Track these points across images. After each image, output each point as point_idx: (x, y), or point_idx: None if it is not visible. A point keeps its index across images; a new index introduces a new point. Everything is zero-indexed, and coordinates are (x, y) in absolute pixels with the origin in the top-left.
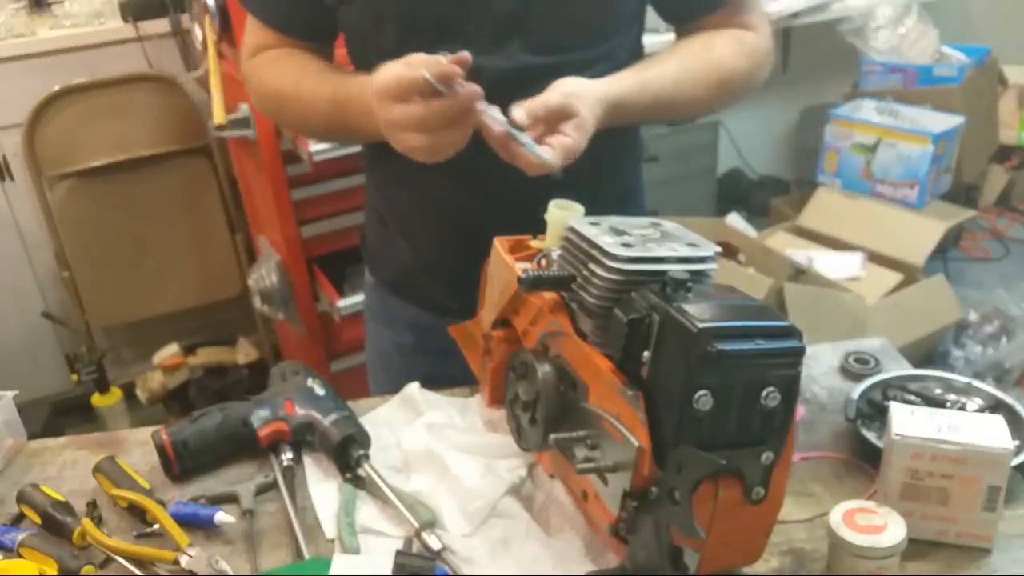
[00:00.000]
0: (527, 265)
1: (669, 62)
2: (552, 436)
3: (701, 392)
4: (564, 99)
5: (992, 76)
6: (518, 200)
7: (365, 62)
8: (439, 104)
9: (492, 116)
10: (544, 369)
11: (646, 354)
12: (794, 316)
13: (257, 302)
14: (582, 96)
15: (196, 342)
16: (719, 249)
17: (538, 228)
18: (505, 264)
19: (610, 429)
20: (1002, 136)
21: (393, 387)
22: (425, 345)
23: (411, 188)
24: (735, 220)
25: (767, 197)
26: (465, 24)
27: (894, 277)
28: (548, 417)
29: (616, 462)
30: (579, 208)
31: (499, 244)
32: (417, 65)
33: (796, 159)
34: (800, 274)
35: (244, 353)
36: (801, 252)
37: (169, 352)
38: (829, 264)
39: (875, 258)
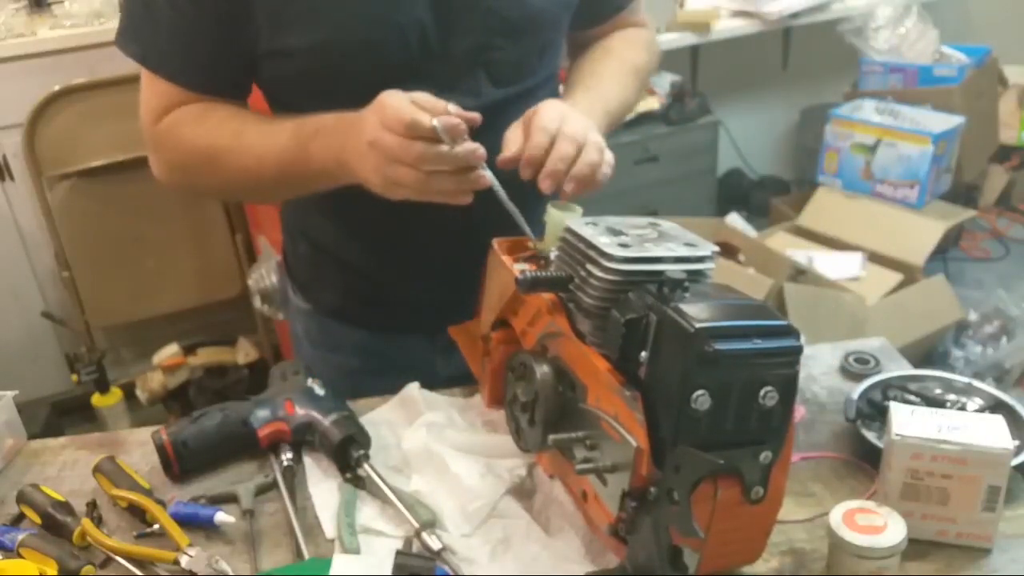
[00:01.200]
0: (525, 266)
1: (601, 77)
2: (551, 437)
3: (699, 392)
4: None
5: (992, 76)
6: (465, 223)
7: (306, 105)
8: (441, 148)
9: (491, 179)
10: (542, 370)
11: (643, 354)
12: (794, 316)
13: (257, 302)
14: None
15: (196, 342)
16: (717, 249)
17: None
18: (503, 265)
19: (608, 429)
20: (1002, 136)
21: None
22: (372, 366)
23: (349, 218)
24: (735, 220)
25: (767, 197)
26: (430, 65)
27: (894, 277)
28: (547, 418)
29: (615, 462)
30: (578, 209)
31: (497, 245)
32: (429, 109)
33: (796, 159)
34: (800, 274)
35: (244, 353)
36: (801, 252)
37: (169, 352)
38: (829, 264)
39: (875, 258)
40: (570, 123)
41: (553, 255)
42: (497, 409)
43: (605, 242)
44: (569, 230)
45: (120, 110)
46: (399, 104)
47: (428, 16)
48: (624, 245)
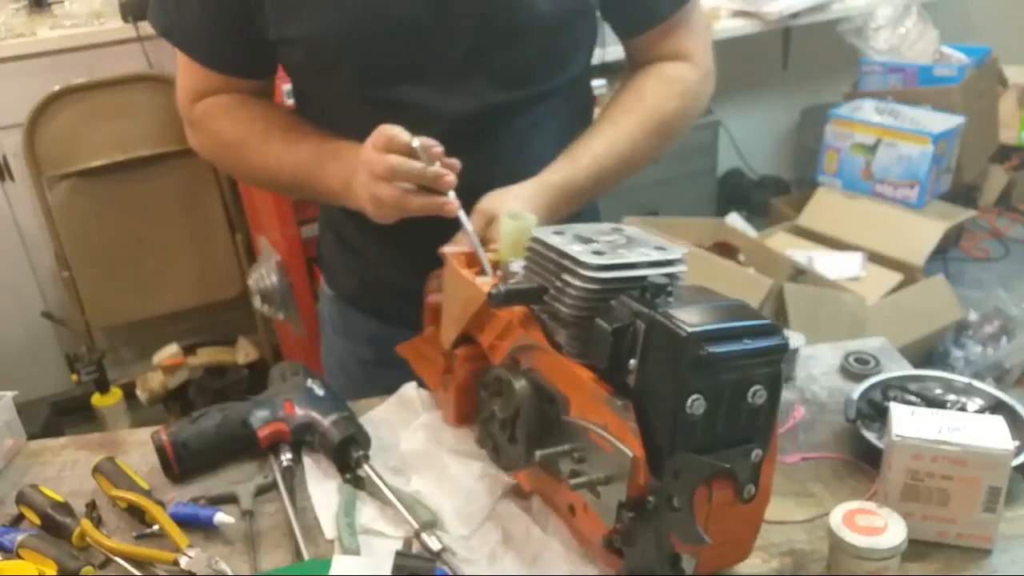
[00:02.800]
0: (486, 279)
1: (602, 132)
2: (539, 453)
3: (694, 397)
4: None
5: (992, 76)
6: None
7: (315, 96)
8: (414, 162)
9: (463, 219)
10: (521, 384)
11: (632, 362)
12: (794, 316)
13: (257, 302)
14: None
15: (196, 342)
16: (686, 250)
17: None
18: (464, 279)
19: (597, 440)
20: (1002, 136)
21: (355, 398)
22: (385, 358)
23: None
24: (735, 220)
25: (767, 197)
26: (426, 63)
27: (894, 277)
28: (530, 433)
29: (608, 474)
30: (532, 217)
31: (454, 259)
32: (423, 141)
33: (796, 159)
34: (800, 274)
35: (244, 353)
36: (801, 252)
37: (169, 352)
38: (829, 264)
39: (875, 258)
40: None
41: (519, 266)
42: (465, 427)
43: (578, 250)
44: (537, 240)
45: (120, 110)
46: (389, 126)
47: (424, 13)
48: (598, 253)
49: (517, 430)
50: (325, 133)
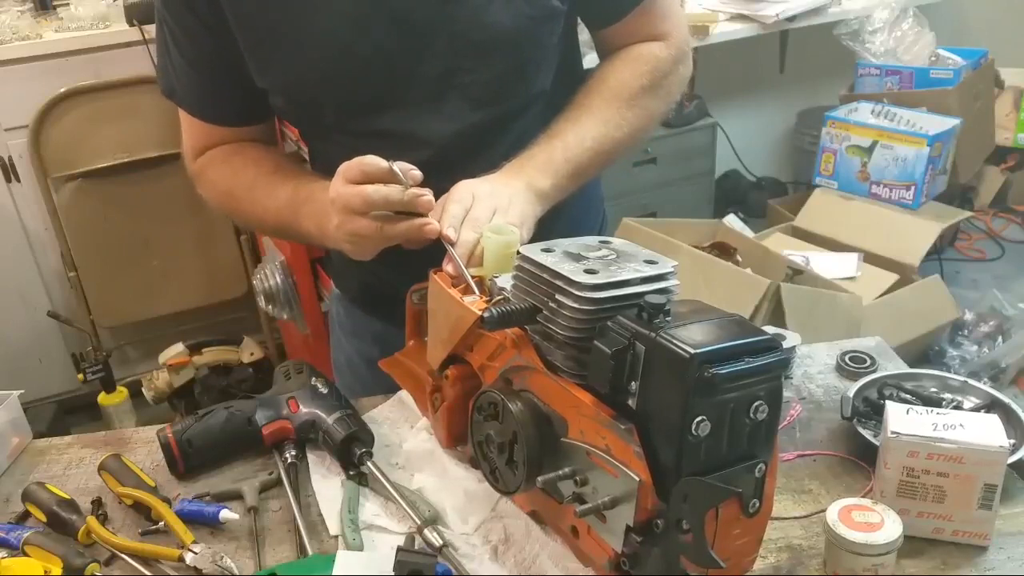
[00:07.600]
0: (474, 298)
1: (579, 120)
2: (540, 479)
3: (699, 419)
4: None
5: (988, 78)
6: None
7: (305, 134)
8: (390, 187)
9: (439, 228)
10: (518, 408)
11: (634, 384)
12: (791, 316)
13: (261, 302)
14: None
15: (201, 341)
16: (676, 263)
17: None
18: (452, 300)
19: (599, 463)
20: (998, 138)
21: (363, 396)
22: (388, 356)
23: None
24: (733, 221)
25: (764, 198)
26: (401, 92)
27: (890, 277)
28: (531, 458)
29: (613, 497)
30: (515, 231)
31: (439, 278)
32: (400, 166)
33: (793, 161)
34: (797, 274)
35: (249, 352)
36: (798, 253)
37: (175, 351)
38: (826, 264)
39: (871, 259)
40: (477, 207)
41: (505, 283)
42: (456, 447)
43: (570, 270)
44: (525, 258)
45: (125, 112)
46: (360, 157)
47: (392, 44)
48: (591, 271)
49: (516, 454)
50: (303, 176)
